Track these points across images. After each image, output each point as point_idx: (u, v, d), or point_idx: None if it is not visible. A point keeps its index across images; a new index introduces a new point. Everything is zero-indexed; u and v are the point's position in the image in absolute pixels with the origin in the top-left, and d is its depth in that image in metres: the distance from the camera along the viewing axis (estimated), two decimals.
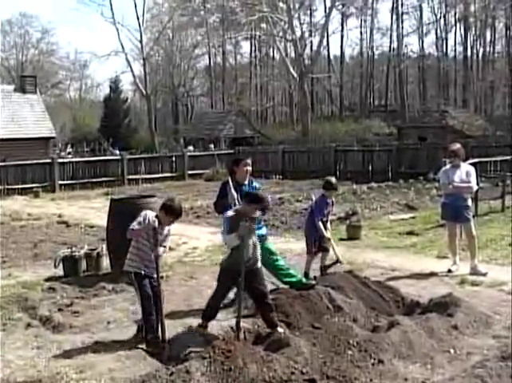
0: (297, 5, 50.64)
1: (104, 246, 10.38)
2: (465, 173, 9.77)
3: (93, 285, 9.18)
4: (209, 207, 18.07)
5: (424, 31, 58.76)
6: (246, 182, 8.09)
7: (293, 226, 14.61)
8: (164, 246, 6.72)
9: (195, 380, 5.31)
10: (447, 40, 59.67)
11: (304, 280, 8.18)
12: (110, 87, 63.26)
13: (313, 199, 9.59)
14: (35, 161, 27.58)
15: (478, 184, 10.33)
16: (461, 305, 7.20)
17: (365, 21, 62.67)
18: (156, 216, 6.61)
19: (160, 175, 29.99)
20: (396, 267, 10.06)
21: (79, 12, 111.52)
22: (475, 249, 9.82)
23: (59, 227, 15.93)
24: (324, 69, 60.21)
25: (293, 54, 47.75)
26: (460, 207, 9.70)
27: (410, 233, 13.17)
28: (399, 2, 54.32)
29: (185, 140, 47.19)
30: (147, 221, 6.54)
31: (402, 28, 54.64)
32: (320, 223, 8.89)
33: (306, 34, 53.12)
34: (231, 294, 8.02)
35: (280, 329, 6.52)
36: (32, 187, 25.87)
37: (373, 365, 5.77)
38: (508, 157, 21.57)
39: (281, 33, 46.07)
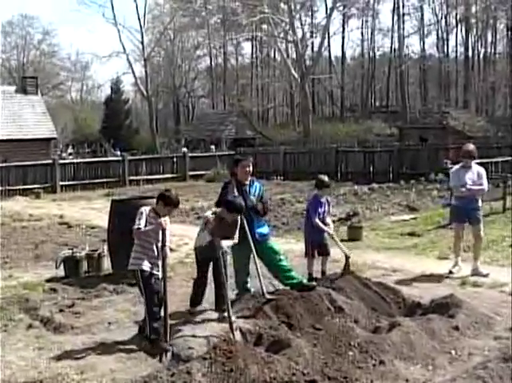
0: (298, 6, 50.69)
1: (105, 247, 10.39)
2: (476, 174, 9.67)
3: (94, 286, 9.19)
4: (210, 208, 18.09)
5: (425, 32, 58.78)
6: (248, 182, 8.11)
7: (294, 227, 14.60)
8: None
9: (196, 381, 5.31)
10: (448, 41, 59.71)
11: (305, 281, 8.18)
12: (111, 88, 63.31)
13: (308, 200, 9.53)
14: (36, 162, 27.64)
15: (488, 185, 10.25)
16: (462, 306, 7.20)
17: (366, 21, 62.72)
18: (153, 209, 6.66)
19: (161, 176, 29.99)
20: (397, 268, 10.05)
21: (80, 13, 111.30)
22: (480, 250, 9.80)
23: (60, 228, 15.94)
24: (326, 69, 60.17)
25: (294, 55, 47.73)
26: (472, 209, 9.65)
27: (411, 234, 13.16)
28: (401, 3, 54.32)
29: (186, 140, 47.21)
30: (145, 217, 6.57)
31: (403, 29, 54.59)
32: (319, 222, 8.81)
33: (307, 35, 53.12)
34: (232, 295, 8.04)
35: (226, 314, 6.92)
36: (33, 188, 25.88)
37: (374, 366, 5.77)
38: (509, 158, 21.56)
39: (282, 34, 46.05)
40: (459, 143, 27.70)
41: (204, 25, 58.31)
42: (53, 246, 12.97)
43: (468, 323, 6.86)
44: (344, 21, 60.45)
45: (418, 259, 10.85)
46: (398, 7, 54.09)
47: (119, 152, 39.04)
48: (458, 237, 9.96)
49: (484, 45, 58.75)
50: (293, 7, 45.03)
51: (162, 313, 6.56)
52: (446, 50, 59.47)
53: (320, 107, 67.09)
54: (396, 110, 55.06)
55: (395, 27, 55.79)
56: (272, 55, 65.53)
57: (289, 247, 11.62)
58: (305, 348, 5.94)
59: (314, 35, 53.97)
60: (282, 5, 45.35)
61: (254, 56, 67.21)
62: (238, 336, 6.51)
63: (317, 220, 8.78)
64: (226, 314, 7.08)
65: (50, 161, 28.35)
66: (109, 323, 7.47)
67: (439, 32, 58.83)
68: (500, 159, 21.73)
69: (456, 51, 60.02)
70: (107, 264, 10.19)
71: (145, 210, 6.65)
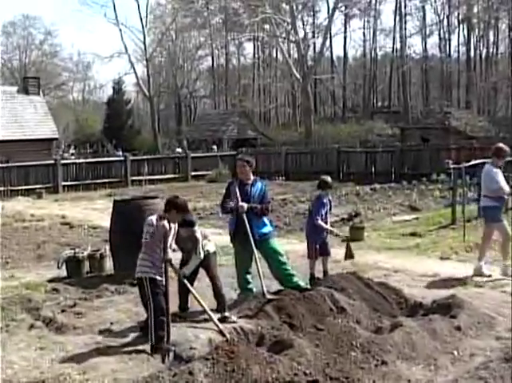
0: (300, 7, 50.63)
1: (107, 247, 10.39)
2: (503, 175, 9.64)
3: (96, 286, 9.19)
4: (212, 209, 18.11)
5: (427, 32, 58.70)
6: (250, 182, 8.11)
7: (296, 227, 14.59)
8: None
9: (198, 381, 5.32)
10: (450, 41, 59.55)
11: (302, 284, 8.17)
12: (113, 88, 63.29)
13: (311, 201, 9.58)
14: (38, 162, 27.67)
15: None
16: (464, 306, 7.20)
17: (368, 22, 62.59)
18: (161, 217, 6.61)
19: (163, 176, 30.02)
20: (399, 268, 10.04)
21: (82, 13, 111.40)
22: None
23: (62, 228, 15.95)
24: (327, 70, 60.07)
25: (296, 55, 47.71)
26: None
27: (413, 234, 13.15)
28: (403, 3, 54.24)
29: (188, 141, 47.22)
30: (155, 226, 6.52)
31: (405, 29, 54.52)
32: (321, 222, 8.87)
33: (309, 35, 53.11)
34: (234, 295, 8.05)
35: (227, 314, 7.11)
36: (35, 189, 25.94)
37: (376, 366, 5.77)
38: (511, 158, 21.48)
39: (284, 35, 45.99)
40: (461, 143, 27.95)
41: (206, 25, 58.27)
42: (55, 247, 12.99)
43: (470, 323, 6.85)
44: (346, 21, 60.37)
45: (420, 259, 10.84)
46: (400, 7, 54.02)
47: (121, 153, 39.07)
48: (491, 238, 9.86)
49: (486, 45, 58.66)
50: (294, 7, 45.00)
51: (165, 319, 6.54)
52: (448, 50, 59.38)
53: (322, 107, 67.00)
54: (398, 110, 54.98)
55: (397, 27, 55.67)
56: (274, 55, 65.47)
57: (292, 248, 11.61)
58: (307, 348, 5.94)
59: (316, 35, 53.91)
60: (284, 5, 45.30)
61: (256, 56, 67.14)
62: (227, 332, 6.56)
63: (320, 221, 8.85)
64: (226, 314, 7.10)
65: (52, 161, 28.39)
66: (111, 323, 7.46)
67: (441, 32, 58.74)
68: None
69: (458, 51, 59.97)
70: (109, 264, 10.20)
71: (152, 220, 6.59)
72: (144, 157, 32.14)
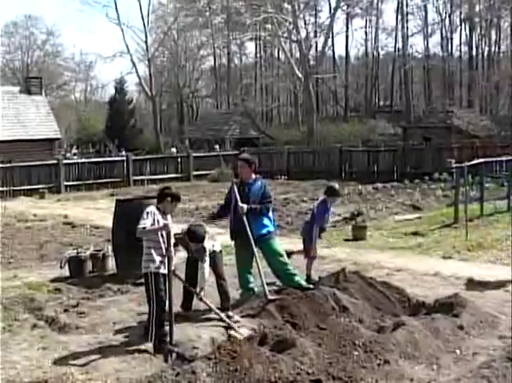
0: (301, 6, 50.59)
1: (110, 246, 10.41)
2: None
3: (99, 286, 9.20)
4: (214, 208, 18.10)
5: (429, 31, 58.64)
6: (251, 181, 8.11)
7: (299, 226, 14.57)
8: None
9: (201, 380, 5.31)
10: (452, 40, 59.54)
11: (304, 284, 8.17)
12: (115, 88, 63.21)
13: (315, 204, 9.57)
14: (41, 162, 27.66)
15: None
16: (466, 305, 7.19)
17: (370, 21, 62.53)
18: (157, 208, 6.67)
19: (165, 176, 29.98)
20: (402, 268, 10.04)
21: (83, 13, 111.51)
22: None
23: (64, 228, 15.97)
24: (329, 69, 60.01)
25: (298, 55, 47.65)
26: None
27: (415, 233, 13.15)
28: (404, 2, 54.19)
29: (190, 140, 47.19)
30: (153, 216, 6.56)
31: (407, 28, 54.55)
32: (317, 232, 8.98)
33: (311, 35, 52.99)
34: (237, 295, 8.04)
35: (230, 313, 7.16)
36: (37, 188, 25.92)
37: (379, 365, 5.76)
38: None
39: (286, 34, 45.98)
40: (463, 142, 27.93)
41: (208, 24, 58.21)
42: (58, 246, 13.00)
43: (473, 323, 6.85)
44: (347, 20, 60.32)
45: (422, 259, 10.84)
46: (402, 6, 54.00)
47: (124, 152, 39.06)
48: None
49: (488, 44, 58.56)
50: (296, 7, 44.93)
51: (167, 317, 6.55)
52: (450, 49, 59.33)
53: (324, 106, 66.95)
54: (400, 109, 54.99)
55: (399, 26, 55.66)
56: (276, 55, 65.47)
57: (293, 247, 11.59)
58: (309, 347, 5.93)
59: (318, 35, 53.89)
60: (286, 4, 45.24)
61: (258, 56, 67.14)
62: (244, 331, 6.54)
63: (317, 231, 8.98)
64: (230, 313, 7.12)
65: (55, 161, 28.36)
66: (114, 323, 7.47)
67: (443, 31, 58.66)
68: (504, 159, 21.66)
69: (460, 50, 59.85)
70: (111, 264, 10.21)
71: (151, 210, 6.63)
72: (146, 157, 32.17)
